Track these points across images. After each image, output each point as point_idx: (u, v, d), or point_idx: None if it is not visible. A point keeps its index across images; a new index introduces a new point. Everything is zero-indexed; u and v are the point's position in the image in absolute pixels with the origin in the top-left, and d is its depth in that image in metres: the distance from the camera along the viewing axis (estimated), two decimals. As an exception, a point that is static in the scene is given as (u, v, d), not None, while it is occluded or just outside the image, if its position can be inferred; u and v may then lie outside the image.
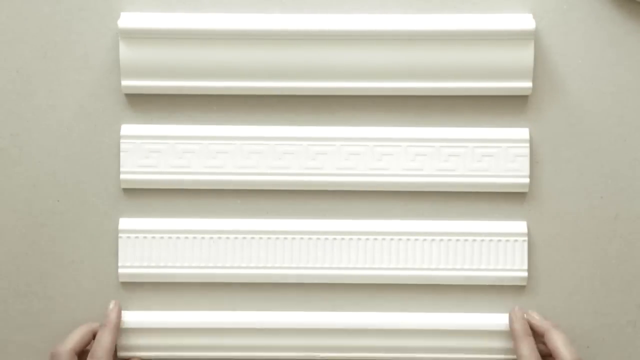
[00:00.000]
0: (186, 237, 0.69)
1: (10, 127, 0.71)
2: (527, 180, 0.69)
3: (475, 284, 0.70)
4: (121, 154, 0.70)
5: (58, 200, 0.71)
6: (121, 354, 0.70)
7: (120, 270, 0.70)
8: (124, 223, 0.70)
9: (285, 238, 0.69)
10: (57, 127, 0.70)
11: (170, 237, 0.69)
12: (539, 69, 0.69)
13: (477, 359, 0.70)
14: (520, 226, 0.70)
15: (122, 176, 0.70)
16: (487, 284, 0.70)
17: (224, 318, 0.70)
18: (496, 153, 0.69)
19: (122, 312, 0.70)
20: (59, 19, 0.70)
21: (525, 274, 0.70)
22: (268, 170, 0.69)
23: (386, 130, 0.69)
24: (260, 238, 0.69)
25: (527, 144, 0.69)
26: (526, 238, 0.69)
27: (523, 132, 0.69)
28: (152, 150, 0.69)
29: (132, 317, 0.70)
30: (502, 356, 0.69)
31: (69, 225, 0.71)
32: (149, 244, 0.70)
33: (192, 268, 0.70)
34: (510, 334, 0.69)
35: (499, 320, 0.69)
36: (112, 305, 0.69)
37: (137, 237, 0.70)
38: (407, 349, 0.69)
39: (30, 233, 0.71)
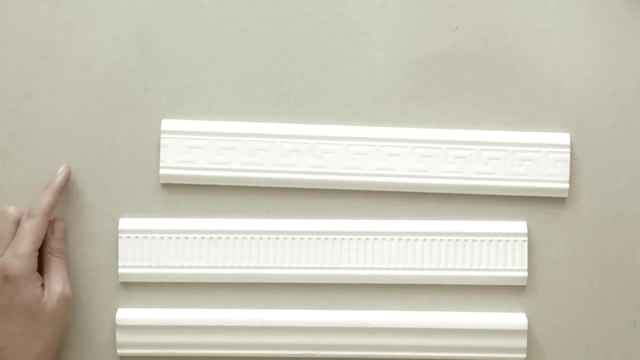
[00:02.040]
0: (186, 237, 0.69)
1: (10, 127, 0.71)
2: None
3: (475, 284, 0.70)
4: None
5: (60, 202, 0.71)
6: (120, 351, 0.70)
7: (120, 270, 0.70)
8: (124, 223, 0.70)
9: (286, 238, 0.69)
10: (57, 127, 0.70)
11: (170, 237, 0.69)
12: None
13: (477, 357, 0.70)
14: (521, 226, 0.70)
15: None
16: (487, 284, 0.70)
17: (223, 316, 0.70)
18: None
19: (120, 310, 0.70)
20: (59, 19, 0.70)
21: (525, 274, 0.69)
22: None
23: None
24: (261, 238, 0.69)
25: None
26: (526, 238, 0.69)
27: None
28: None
29: (130, 315, 0.70)
30: (503, 355, 0.69)
31: (69, 225, 0.71)
32: (149, 244, 0.69)
33: (191, 268, 0.70)
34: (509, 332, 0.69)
35: (499, 319, 0.69)
36: (61, 168, 0.70)
37: (137, 237, 0.69)
38: (406, 348, 0.69)
39: (30, 233, 0.71)
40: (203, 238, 0.69)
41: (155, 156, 0.70)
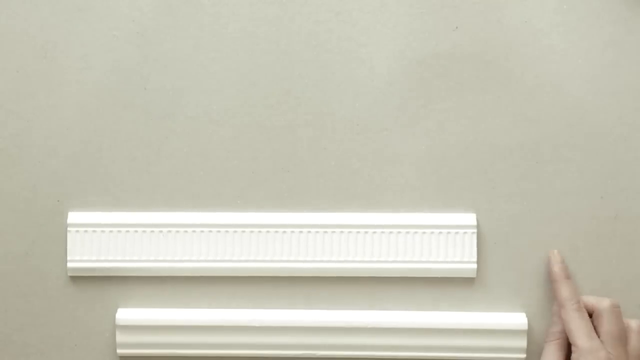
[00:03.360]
0: (135, 231, 0.70)
1: (10, 127, 0.71)
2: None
3: (426, 277, 0.70)
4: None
5: (58, 200, 0.71)
6: (120, 351, 0.70)
7: (69, 265, 0.70)
8: (72, 217, 0.70)
9: (227, 231, 0.69)
10: (57, 127, 0.70)
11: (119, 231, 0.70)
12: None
13: (477, 357, 0.70)
14: (470, 218, 0.70)
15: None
16: (437, 276, 0.70)
17: (222, 316, 0.70)
18: None
19: (120, 310, 0.70)
20: (59, 19, 0.70)
21: (474, 266, 0.70)
22: None
23: None
24: (210, 231, 0.69)
25: None
26: (475, 230, 0.69)
27: None
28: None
29: (130, 315, 0.70)
30: (502, 355, 0.69)
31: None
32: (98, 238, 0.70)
33: (147, 262, 0.70)
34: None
35: (499, 319, 0.69)
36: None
37: (85, 231, 0.70)
38: (406, 348, 0.69)
39: (30, 233, 0.71)
40: (152, 232, 0.69)
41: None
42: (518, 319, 0.70)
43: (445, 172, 0.70)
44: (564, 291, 0.66)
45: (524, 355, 0.69)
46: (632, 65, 0.70)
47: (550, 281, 0.69)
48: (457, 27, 0.70)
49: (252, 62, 0.70)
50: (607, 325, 0.65)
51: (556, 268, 0.68)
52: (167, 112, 0.70)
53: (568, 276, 0.67)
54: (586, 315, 0.65)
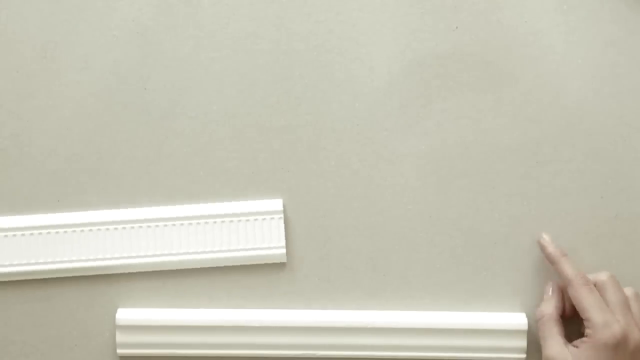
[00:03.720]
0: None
1: (10, 127, 0.71)
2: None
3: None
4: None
5: (58, 200, 0.71)
6: (120, 351, 0.70)
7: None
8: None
9: (215, 222, 0.70)
10: (57, 127, 0.70)
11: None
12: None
13: (477, 357, 0.70)
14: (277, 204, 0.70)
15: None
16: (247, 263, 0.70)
17: (222, 316, 0.70)
18: None
19: (120, 310, 0.70)
20: (59, 19, 0.70)
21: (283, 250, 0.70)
22: None
23: None
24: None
25: None
26: (282, 215, 0.70)
27: None
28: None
29: (130, 315, 0.70)
30: (503, 355, 0.69)
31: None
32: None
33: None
34: None
35: (499, 319, 0.69)
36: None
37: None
38: (406, 348, 0.69)
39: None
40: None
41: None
42: (518, 319, 0.70)
43: (445, 172, 0.70)
44: (568, 269, 0.66)
45: (524, 356, 0.69)
46: (632, 65, 0.70)
47: (549, 264, 0.68)
48: (457, 27, 0.70)
49: (252, 62, 0.70)
50: (612, 295, 0.65)
51: (551, 249, 0.68)
52: (167, 112, 0.70)
53: (565, 253, 0.68)
54: (594, 289, 0.65)
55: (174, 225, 0.70)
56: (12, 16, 0.70)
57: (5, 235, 0.70)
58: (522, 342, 0.69)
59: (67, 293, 0.71)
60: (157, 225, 0.70)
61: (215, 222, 0.70)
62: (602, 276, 0.66)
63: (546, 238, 0.69)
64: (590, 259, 0.70)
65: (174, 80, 0.70)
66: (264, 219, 0.69)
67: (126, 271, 0.70)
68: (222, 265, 0.70)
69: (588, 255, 0.70)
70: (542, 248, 0.69)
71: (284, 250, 0.70)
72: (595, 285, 0.66)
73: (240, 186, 0.71)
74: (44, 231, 0.70)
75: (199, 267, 0.70)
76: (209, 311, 0.70)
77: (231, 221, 0.70)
